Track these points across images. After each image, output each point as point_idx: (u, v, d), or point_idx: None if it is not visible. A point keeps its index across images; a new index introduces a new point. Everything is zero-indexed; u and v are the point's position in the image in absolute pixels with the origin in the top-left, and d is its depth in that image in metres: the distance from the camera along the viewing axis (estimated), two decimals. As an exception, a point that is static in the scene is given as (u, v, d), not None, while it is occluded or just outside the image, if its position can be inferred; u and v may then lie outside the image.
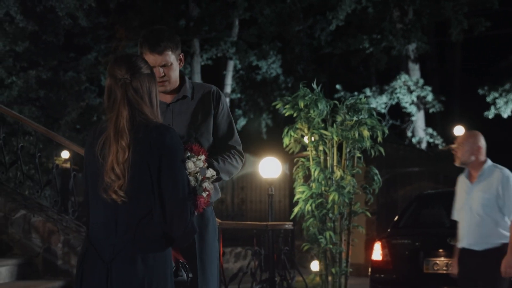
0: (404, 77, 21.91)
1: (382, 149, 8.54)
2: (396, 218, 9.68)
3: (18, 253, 7.76)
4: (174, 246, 3.50)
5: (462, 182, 6.41)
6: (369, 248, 11.95)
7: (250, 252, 9.32)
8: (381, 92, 22.40)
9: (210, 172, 3.79)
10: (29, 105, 21.41)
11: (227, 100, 23.52)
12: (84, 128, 21.48)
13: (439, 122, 25.88)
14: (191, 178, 3.66)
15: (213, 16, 23.29)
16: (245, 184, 17.47)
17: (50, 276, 7.64)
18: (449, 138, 21.83)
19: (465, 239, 6.23)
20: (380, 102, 22.20)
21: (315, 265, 9.48)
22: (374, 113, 8.66)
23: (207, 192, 3.73)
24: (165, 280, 3.44)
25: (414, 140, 22.29)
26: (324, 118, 8.52)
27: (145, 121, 3.43)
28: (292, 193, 9.91)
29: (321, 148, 8.49)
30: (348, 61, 23.66)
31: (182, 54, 4.28)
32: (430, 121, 23.94)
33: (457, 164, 6.34)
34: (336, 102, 8.65)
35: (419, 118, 22.55)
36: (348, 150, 8.52)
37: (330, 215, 8.42)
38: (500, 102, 21.82)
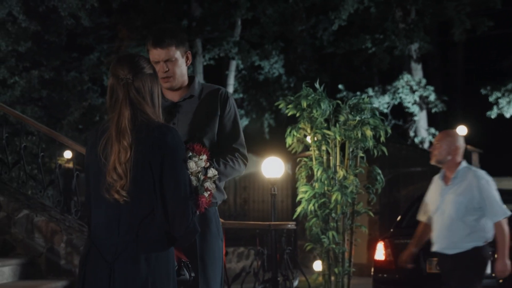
0: (406, 77, 21.91)
1: (385, 149, 8.54)
2: (398, 218, 9.67)
3: (21, 253, 7.76)
4: (176, 246, 3.50)
5: (436, 183, 6.33)
6: (371, 248, 11.95)
7: (252, 252, 9.33)
8: (383, 92, 22.39)
9: (212, 172, 3.79)
10: (32, 105, 21.43)
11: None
12: (87, 128, 21.49)
13: (441, 122, 25.87)
14: (192, 178, 3.66)
15: (216, 16, 23.30)
16: (247, 184, 17.47)
17: (53, 276, 7.64)
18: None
19: (437, 242, 6.17)
20: (382, 102, 22.20)
21: (317, 265, 9.49)
22: (377, 113, 8.66)
23: (208, 192, 3.73)
24: (168, 280, 3.44)
25: (416, 140, 22.29)
26: (327, 118, 8.52)
27: (146, 121, 3.43)
28: (294, 193, 9.92)
29: (324, 148, 8.49)
30: (351, 61, 23.65)
31: (190, 52, 4.28)
32: (432, 121, 23.93)
33: (432, 162, 6.28)
34: (339, 102, 8.65)
35: (421, 118, 22.54)
36: (351, 150, 8.51)
37: (333, 215, 8.42)
38: (503, 102, 21.80)
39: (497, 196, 6.07)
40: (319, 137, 8.42)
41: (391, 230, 9.42)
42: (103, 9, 22.23)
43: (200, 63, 23.29)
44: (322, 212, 8.42)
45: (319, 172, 8.41)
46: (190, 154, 3.73)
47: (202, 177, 3.72)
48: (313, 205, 8.39)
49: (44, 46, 21.93)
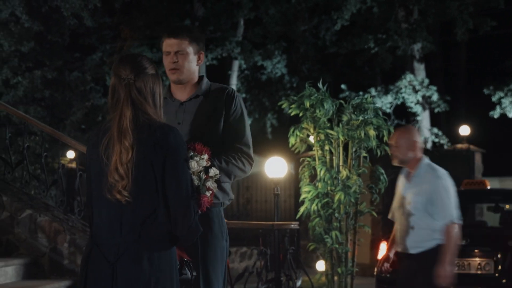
0: (409, 76, 21.89)
1: (388, 149, 8.53)
2: (402, 217, 9.64)
3: (24, 252, 7.77)
4: (178, 245, 3.50)
5: (401, 181, 6.18)
6: (375, 248, 11.94)
7: (255, 252, 9.33)
8: (386, 92, 22.37)
9: (213, 171, 3.78)
10: (35, 105, 21.46)
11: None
12: (89, 128, 21.51)
13: (444, 122, 25.86)
14: (194, 178, 3.66)
15: (218, 16, 23.29)
16: (250, 184, 17.47)
17: (56, 276, 7.65)
18: (455, 138, 21.80)
19: (400, 242, 6.04)
20: (385, 102, 22.18)
21: (321, 265, 9.47)
22: (380, 112, 8.66)
23: (210, 191, 3.73)
24: (170, 279, 3.44)
25: (419, 140, 22.24)
26: (330, 117, 8.52)
27: (148, 121, 3.43)
28: (297, 193, 9.91)
29: (327, 147, 8.49)
30: (353, 61, 23.64)
31: (203, 53, 4.29)
32: (435, 121, 23.91)
33: (395, 163, 6.17)
34: (342, 101, 8.65)
35: (424, 118, 22.52)
36: (354, 149, 8.51)
37: (336, 214, 8.42)
38: (506, 101, 21.77)
39: (452, 199, 5.87)
40: (322, 137, 8.42)
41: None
42: (105, 9, 22.25)
43: (203, 63, 23.29)
44: (325, 212, 8.42)
45: (322, 172, 8.41)
46: (192, 153, 3.73)
47: (203, 177, 3.71)
48: (316, 205, 8.39)
49: (47, 46, 21.95)
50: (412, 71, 22.36)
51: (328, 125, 8.49)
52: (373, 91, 22.23)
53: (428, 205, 5.87)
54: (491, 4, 20.99)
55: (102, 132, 3.49)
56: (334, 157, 8.50)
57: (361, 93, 21.50)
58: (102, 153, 3.43)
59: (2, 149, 9.68)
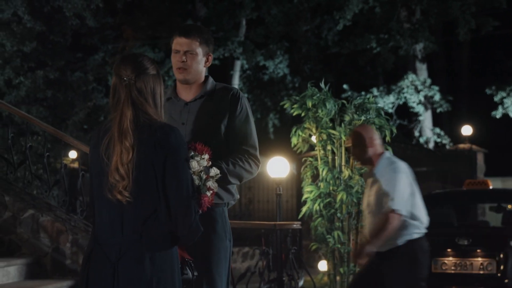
0: (411, 76, 21.89)
1: (390, 149, 8.53)
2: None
3: (27, 252, 7.78)
4: (179, 245, 3.50)
5: (367, 179, 6.09)
6: (377, 248, 11.92)
7: (258, 252, 9.32)
8: (388, 92, 22.37)
9: (214, 171, 3.78)
10: (37, 105, 21.47)
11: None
12: (92, 128, 21.52)
13: (446, 121, 25.85)
14: (195, 177, 3.66)
15: (220, 16, 23.30)
16: (252, 184, 17.46)
17: (58, 276, 7.65)
18: (457, 138, 21.80)
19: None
20: (387, 102, 22.17)
21: (323, 265, 9.48)
22: (382, 112, 8.66)
23: (211, 191, 3.72)
24: (172, 279, 3.44)
25: (421, 140, 22.26)
26: (332, 117, 8.53)
27: (149, 121, 3.43)
28: (299, 193, 9.92)
29: (329, 147, 8.49)
30: (356, 61, 23.63)
31: (211, 55, 4.29)
32: (437, 120, 23.91)
33: (358, 165, 6.09)
34: (344, 101, 8.65)
35: (426, 118, 22.52)
36: (356, 149, 8.50)
37: (338, 214, 8.42)
38: (508, 101, 21.77)
39: (401, 191, 5.69)
40: (324, 137, 8.42)
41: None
42: (108, 9, 22.25)
43: (205, 63, 23.26)
44: (327, 212, 8.42)
45: (324, 172, 8.41)
46: (192, 153, 3.73)
47: (204, 176, 3.71)
48: (318, 205, 8.39)
49: (49, 46, 21.96)
50: (414, 71, 22.35)
51: (330, 125, 8.50)
52: (375, 91, 22.23)
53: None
54: (494, 4, 20.98)
55: (102, 132, 3.49)
56: (336, 157, 8.51)
57: (363, 93, 21.50)
58: (103, 153, 3.43)
59: (4, 149, 9.68)
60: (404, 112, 23.23)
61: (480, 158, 18.03)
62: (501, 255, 8.30)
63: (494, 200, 10.86)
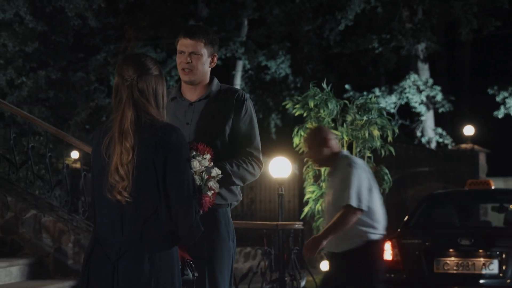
0: (413, 76, 21.88)
1: (392, 149, 8.53)
2: (406, 218, 9.66)
3: (29, 253, 7.78)
4: (179, 245, 3.50)
5: (327, 180, 6.06)
6: (379, 248, 11.91)
7: (260, 252, 9.32)
8: (390, 92, 22.37)
9: (216, 171, 3.78)
10: (39, 105, 21.49)
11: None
12: (94, 128, 21.51)
13: (448, 121, 25.83)
14: (196, 177, 3.65)
15: (222, 16, 23.31)
16: (254, 184, 17.44)
17: (60, 276, 7.65)
18: (459, 138, 21.79)
19: (329, 242, 5.77)
20: (389, 102, 22.18)
21: (325, 265, 9.47)
22: (384, 112, 8.65)
23: (212, 191, 3.72)
24: (172, 279, 3.44)
25: (423, 140, 22.26)
26: (334, 117, 8.52)
27: (150, 121, 3.42)
28: (301, 193, 9.92)
29: (331, 147, 8.47)
30: (357, 61, 23.63)
31: (216, 56, 4.29)
32: (439, 120, 23.90)
33: (316, 167, 6.04)
34: (346, 102, 8.64)
35: (428, 118, 22.52)
36: (358, 149, 8.51)
37: (340, 214, 8.40)
38: (510, 101, 21.76)
39: (357, 186, 5.61)
40: (327, 137, 8.40)
41: (399, 230, 9.40)
42: (110, 9, 22.27)
43: (208, 63, 23.24)
44: (330, 212, 8.40)
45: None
46: (194, 153, 3.72)
47: (205, 177, 3.71)
48: (321, 205, 8.38)
49: (51, 46, 21.98)
50: (416, 71, 22.35)
51: (332, 125, 8.50)
52: (377, 91, 22.23)
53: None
54: (496, 4, 20.97)
55: (103, 132, 3.49)
56: (338, 157, 8.49)
57: (365, 93, 21.49)
58: (104, 153, 3.43)
59: (6, 149, 9.68)
60: (406, 112, 23.23)
61: (482, 158, 18.02)
62: (503, 256, 8.29)
63: (496, 200, 10.85)
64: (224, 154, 4.10)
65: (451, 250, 8.51)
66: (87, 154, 8.07)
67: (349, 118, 8.49)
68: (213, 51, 4.25)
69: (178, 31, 4.29)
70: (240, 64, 24.45)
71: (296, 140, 8.51)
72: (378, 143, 8.43)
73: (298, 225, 8.67)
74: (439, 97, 22.03)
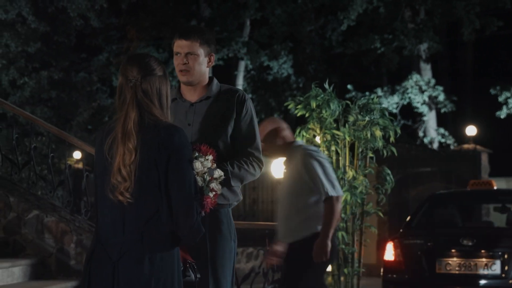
0: (415, 77, 21.88)
1: (394, 149, 8.52)
2: (408, 218, 9.66)
3: (31, 253, 7.78)
4: (180, 245, 3.50)
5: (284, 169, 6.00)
6: (381, 248, 11.93)
7: (262, 252, 9.32)
8: (392, 92, 22.37)
9: (218, 173, 3.78)
10: (41, 105, 21.51)
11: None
12: (96, 129, 21.54)
13: (450, 122, 25.82)
14: (198, 179, 3.65)
15: (224, 17, 23.31)
16: (256, 184, 17.45)
17: (63, 276, 7.66)
18: (461, 138, 21.77)
19: (278, 232, 5.88)
20: (391, 102, 22.17)
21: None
22: (386, 113, 8.64)
23: (214, 193, 3.72)
24: (172, 280, 3.44)
25: (425, 140, 22.25)
26: (336, 118, 8.51)
27: (154, 122, 3.43)
28: (304, 193, 9.88)
29: (333, 148, 8.48)
30: (360, 61, 23.62)
31: (213, 55, 4.29)
32: (441, 121, 23.89)
33: (273, 158, 6.04)
34: (348, 102, 8.64)
35: (430, 118, 22.51)
36: (360, 150, 8.50)
37: (343, 215, 8.41)
38: (512, 101, 21.75)
39: (325, 174, 5.68)
40: (329, 137, 8.41)
41: (401, 230, 9.41)
42: (112, 9, 22.28)
43: (209, 63, 23.26)
44: (332, 213, 8.40)
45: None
46: (197, 154, 3.72)
47: (208, 178, 3.71)
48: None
49: (53, 46, 21.99)
50: (419, 71, 22.35)
51: (335, 125, 8.49)
52: (379, 92, 22.22)
53: (304, 186, 5.70)
54: (498, 4, 20.97)
55: (106, 132, 3.50)
56: (340, 158, 8.50)
57: (367, 93, 21.50)
58: (106, 153, 3.44)
59: (9, 150, 9.69)
60: (408, 113, 23.22)
61: (484, 158, 17.99)
62: (506, 256, 8.30)
63: (499, 201, 10.86)
64: (227, 155, 4.11)
65: (453, 250, 8.51)
66: (90, 155, 8.08)
67: (351, 119, 8.48)
68: (210, 51, 4.24)
69: None
70: (242, 64, 24.46)
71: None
72: (380, 144, 8.42)
73: (300, 225, 8.66)
74: (441, 97, 22.02)
